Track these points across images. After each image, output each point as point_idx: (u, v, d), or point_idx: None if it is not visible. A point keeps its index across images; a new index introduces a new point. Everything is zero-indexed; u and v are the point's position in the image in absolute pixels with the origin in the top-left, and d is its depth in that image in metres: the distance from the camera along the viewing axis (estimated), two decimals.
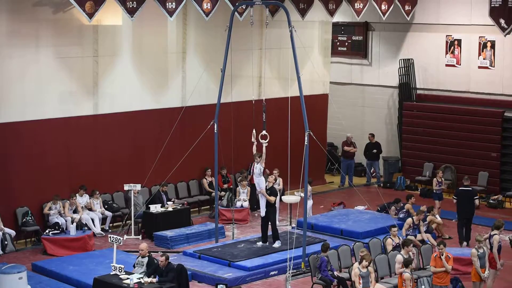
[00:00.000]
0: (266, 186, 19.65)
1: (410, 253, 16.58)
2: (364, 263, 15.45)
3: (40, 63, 20.39)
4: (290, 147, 18.44)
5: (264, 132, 19.70)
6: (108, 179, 21.81)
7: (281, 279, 17.78)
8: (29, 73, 20.19)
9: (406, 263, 15.49)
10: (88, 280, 16.51)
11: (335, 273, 16.73)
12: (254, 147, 19.98)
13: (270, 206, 19.44)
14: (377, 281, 16.28)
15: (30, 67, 20.21)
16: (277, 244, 19.24)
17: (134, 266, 16.41)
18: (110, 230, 21.16)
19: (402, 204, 21.55)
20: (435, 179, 23.24)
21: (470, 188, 20.90)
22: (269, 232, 19.53)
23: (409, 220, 19.53)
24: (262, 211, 19.85)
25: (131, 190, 21.02)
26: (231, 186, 23.19)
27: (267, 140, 19.68)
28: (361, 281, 15.33)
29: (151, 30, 22.46)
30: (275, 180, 20.27)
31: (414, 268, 16.06)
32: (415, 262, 16.79)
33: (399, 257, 16.16)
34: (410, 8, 26.10)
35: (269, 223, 19.46)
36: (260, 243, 19.46)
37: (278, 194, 20.38)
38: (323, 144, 24.92)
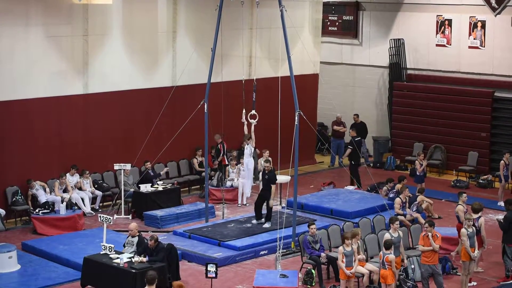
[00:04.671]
0: (264, 170, 19.42)
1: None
2: (347, 241, 15.40)
3: (30, 42, 20.28)
4: (280, 127, 18.42)
5: (253, 111, 19.70)
6: (98, 158, 21.77)
7: (271, 258, 17.81)
8: (18, 52, 20.09)
9: (387, 246, 15.31)
10: (78, 259, 16.53)
11: (325, 252, 16.78)
12: (245, 127, 19.98)
13: (268, 189, 19.31)
14: (367, 261, 16.32)
15: (20, 46, 20.10)
16: (267, 225, 19.26)
17: (124, 246, 16.41)
18: (100, 210, 21.15)
19: (393, 184, 21.57)
20: (416, 161, 23.21)
21: (359, 138, 24.73)
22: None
23: (398, 199, 19.53)
24: (247, 191, 19.90)
25: (121, 169, 21.01)
26: (226, 163, 23.08)
27: (256, 120, 19.68)
28: (344, 260, 15.25)
29: (141, 9, 22.36)
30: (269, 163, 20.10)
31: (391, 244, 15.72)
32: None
33: (387, 236, 16.13)
34: None
35: (265, 202, 19.43)
36: (254, 221, 19.46)
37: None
38: (313, 124, 24.88)
